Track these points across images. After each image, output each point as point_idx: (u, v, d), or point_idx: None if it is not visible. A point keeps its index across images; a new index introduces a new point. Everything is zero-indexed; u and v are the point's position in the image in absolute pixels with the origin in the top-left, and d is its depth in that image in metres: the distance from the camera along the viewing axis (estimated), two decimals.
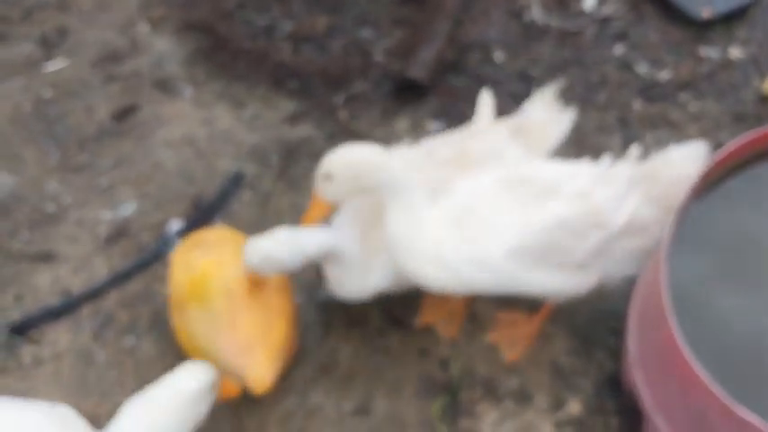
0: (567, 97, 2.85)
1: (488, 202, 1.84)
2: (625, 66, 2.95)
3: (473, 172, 1.95)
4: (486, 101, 2.24)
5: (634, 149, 2.00)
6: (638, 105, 2.84)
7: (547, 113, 2.21)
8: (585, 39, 3.05)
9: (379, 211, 1.96)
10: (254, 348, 1.90)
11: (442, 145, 2.09)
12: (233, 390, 2.03)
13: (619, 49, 3.01)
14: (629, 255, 1.94)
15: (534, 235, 1.79)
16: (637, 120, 2.79)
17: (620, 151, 2.69)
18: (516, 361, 2.16)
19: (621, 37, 3.04)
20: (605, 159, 1.97)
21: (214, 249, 2.08)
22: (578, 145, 2.71)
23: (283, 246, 1.89)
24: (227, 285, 1.97)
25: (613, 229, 1.86)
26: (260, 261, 1.89)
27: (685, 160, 1.99)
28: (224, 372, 1.92)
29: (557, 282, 1.87)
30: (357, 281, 2.00)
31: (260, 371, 1.88)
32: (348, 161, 1.84)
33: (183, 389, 1.73)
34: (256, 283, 1.97)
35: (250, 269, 1.92)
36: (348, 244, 1.98)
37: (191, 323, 2.00)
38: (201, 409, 1.76)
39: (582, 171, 1.91)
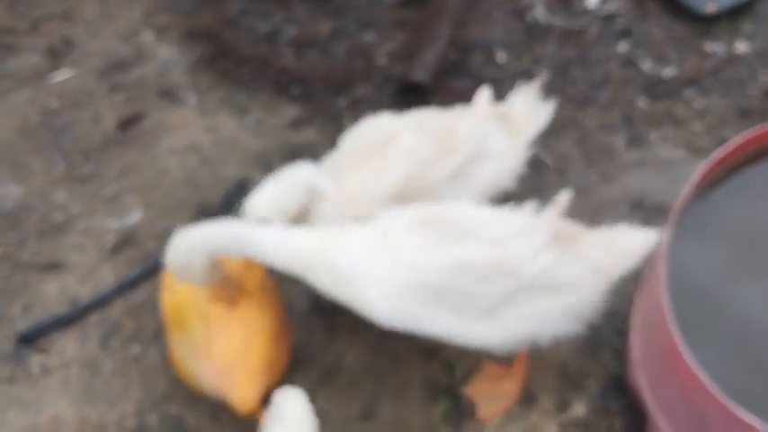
0: (569, 95, 2.85)
1: (400, 234, 1.81)
2: (629, 63, 2.94)
3: (452, 155, 2.01)
4: (484, 95, 2.25)
5: (564, 195, 1.91)
6: (642, 103, 2.82)
7: (528, 105, 2.26)
8: (589, 37, 3.03)
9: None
10: (234, 370, 1.90)
11: (433, 117, 2.15)
12: None
13: (623, 47, 2.99)
14: (556, 313, 1.84)
15: (435, 273, 1.75)
16: (641, 117, 2.77)
17: (625, 150, 2.68)
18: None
19: (625, 34, 3.03)
20: (528, 206, 1.89)
21: None
22: (582, 144, 2.70)
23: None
24: (203, 310, 1.97)
25: (523, 279, 1.78)
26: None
27: (635, 238, 1.91)
28: (210, 393, 1.93)
29: (457, 326, 1.80)
30: None
31: (241, 392, 1.89)
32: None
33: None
34: (231, 301, 1.97)
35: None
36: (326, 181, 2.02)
37: (175, 347, 2.03)
38: None
39: (500, 218, 1.85)
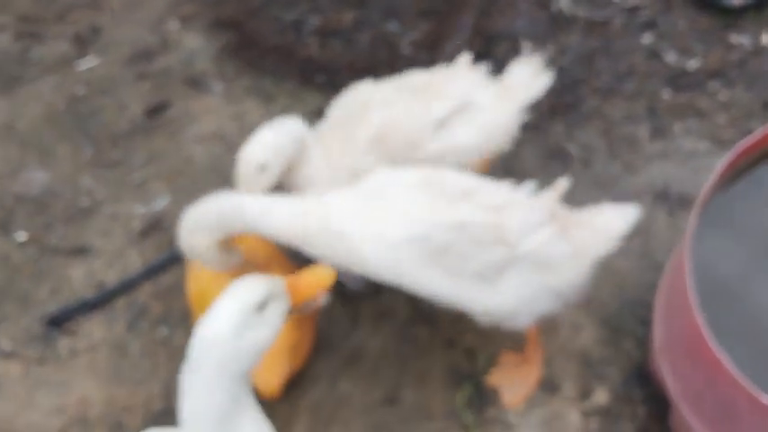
0: (594, 86, 2.85)
1: (399, 192, 1.82)
2: (653, 55, 2.93)
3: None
4: (465, 57, 2.25)
5: (562, 183, 1.93)
6: (666, 95, 2.81)
7: (526, 74, 2.24)
8: (613, 28, 3.03)
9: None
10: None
11: (414, 77, 2.15)
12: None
13: (647, 38, 2.99)
14: (538, 290, 1.86)
15: (434, 229, 1.76)
16: (665, 109, 2.77)
17: (649, 142, 2.68)
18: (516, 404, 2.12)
19: (650, 26, 3.02)
20: (528, 186, 1.92)
21: None
22: (607, 135, 2.71)
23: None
24: None
25: (518, 251, 1.80)
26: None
27: (615, 217, 1.93)
28: None
29: (448, 286, 1.81)
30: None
31: (265, 376, 1.91)
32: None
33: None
34: None
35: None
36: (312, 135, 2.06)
37: None
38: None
39: (498, 189, 1.87)
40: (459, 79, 2.15)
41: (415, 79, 2.16)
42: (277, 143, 1.99)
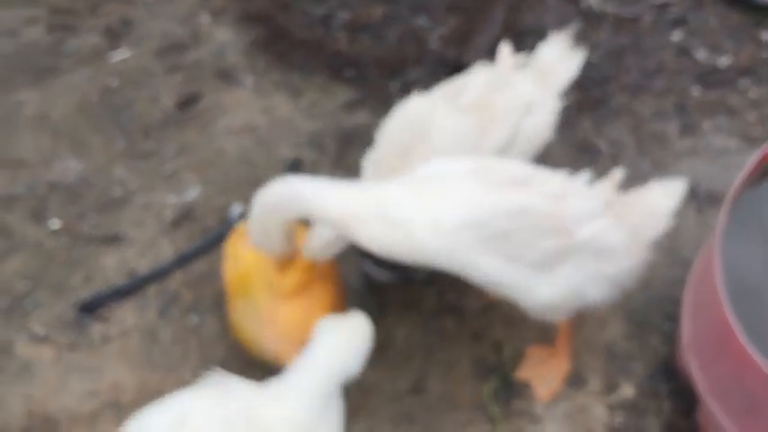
0: (623, 83, 2.85)
1: (456, 179, 1.81)
2: (683, 52, 2.93)
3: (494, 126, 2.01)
4: (506, 50, 2.25)
5: (617, 173, 1.93)
6: (696, 92, 2.81)
7: (558, 54, 2.23)
8: (643, 25, 3.03)
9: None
10: (295, 339, 1.94)
11: (463, 90, 2.12)
12: None
13: (677, 35, 2.98)
14: (597, 277, 1.87)
15: (492, 213, 1.74)
16: (695, 106, 2.76)
17: (678, 138, 2.68)
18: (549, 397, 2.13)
19: (680, 23, 3.01)
20: (583, 176, 1.91)
21: None
22: (636, 131, 2.71)
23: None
24: (269, 280, 2.03)
25: (575, 240, 1.80)
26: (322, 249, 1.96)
27: (663, 195, 1.93)
28: (269, 360, 1.98)
29: (505, 274, 1.79)
30: None
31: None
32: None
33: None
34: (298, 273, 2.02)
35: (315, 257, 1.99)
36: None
37: (238, 314, 2.08)
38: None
39: (554, 178, 1.87)
40: (509, 85, 2.12)
41: (465, 96, 2.10)
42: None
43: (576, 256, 1.83)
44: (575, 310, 1.92)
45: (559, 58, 2.23)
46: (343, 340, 1.80)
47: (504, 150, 2.09)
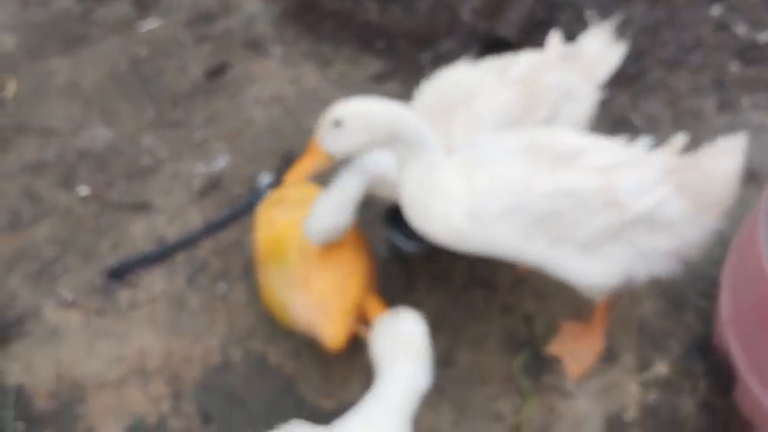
0: (659, 57, 2.79)
1: (502, 159, 1.75)
2: (722, 27, 2.86)
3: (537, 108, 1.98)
4: (556, 39, 2.21)
5: (680, 139, 1.84)
6: (734, 67, 2.74)
7: (600, 45, 2.19)
8: None
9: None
10: (328, 306, 1.93)
11: (511, 65, 2.09)
12: None
13: (716, 10, 2.91)
14: (654, 252, 1.78)
15: (535, 198, 1.70)
16: (733, 82, 2.70)
17: (715, 115, 2.62)
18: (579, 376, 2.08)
19: None
20: (643, 141, 1.83)
21: (294, 207, 2.11)
22: (673, 106, 2.65)
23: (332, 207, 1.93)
24: (302, 245, 2.01)
25: (630, 213, 1.72)
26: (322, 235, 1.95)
27: (724, 154, 1.82)
28: (300, 327, 1.97)
29: (551, 256, 1.75)
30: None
31: (333, 328, 1.91)
32: (364, 110, 1.75)
33: None
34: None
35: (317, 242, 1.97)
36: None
37: (270, 280, 2.06)
38: None
39: (609, 147, 1.78)
40: (558, 74, 2.08)
41: (513, 71, 2.07)
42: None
43: (630, 231, 1.74)
44: (626, 284, 1.84)
45: (601, 51, 2.18)
46: (414, 356, 1.73)
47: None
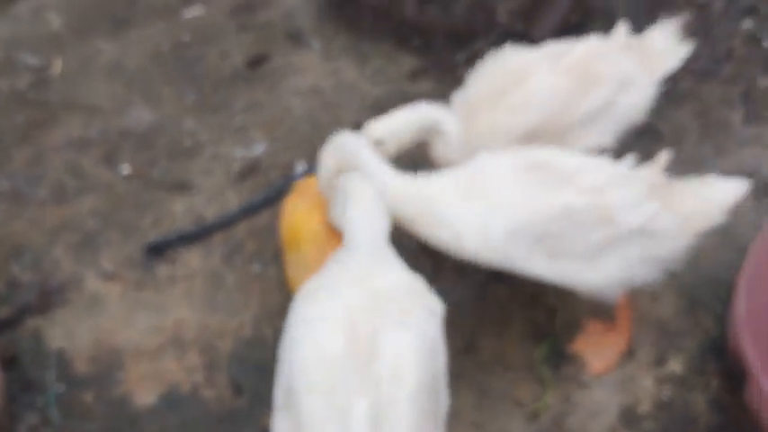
0: (690, 68, 2.86)
1: (501, 178, 1.89)
2: (753, 40, 2.92)
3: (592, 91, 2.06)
4: (623, 29, 2.27)
5: (664, 156, 1.96)
6: (763, 81, 2.81)
7: (666, 40, 2.26)
8: (713, 11, 3.02)
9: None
10: None
11: (570, 51, 2.16)
12: None
13: (747, 24, 2.97)
14: (644, 260, 1.91)
15: (537, 217, 1.83)
16: (761, 95, 2.77)
17: (741, 126, 2.69)
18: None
19: (751, 11, 3.01)
20: (628, 161, 1.95)
21: (313, 198, 2.20)
22: (700, 116, 2.72)
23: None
24: (316, 234, 2.12)
25: (623, 228, 1.85)
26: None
27: (722, 189, 1.96)
28: None
29: (551, 268, 1.87)
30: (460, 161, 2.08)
31: None
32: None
33: None
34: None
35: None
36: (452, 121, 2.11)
37: (290, 267, 2.20)
38: None
39: (602, 168, 1.91)
40: (617, 61, 2.16)
41: (570, 56, 2.15)
42: (399, 126, 2.07)
43: (623, 243, 1.88)
44: (629, 288, 1.97)
45: (666, 46, 2.25)
46: (362, 203, 1.89)
47: (593, 120, 2.13)
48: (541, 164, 1.90)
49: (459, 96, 2.23)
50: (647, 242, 1.89)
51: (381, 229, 1.85)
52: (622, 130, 2.21)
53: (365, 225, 1.84)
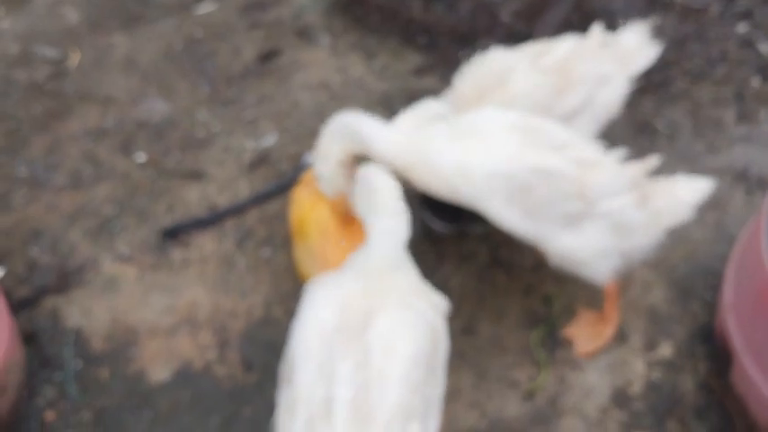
0: (685, 68, 2.97)
1: (496, 131, 1.98)
2: (747, 44, 3.03)
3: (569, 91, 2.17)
4: (597, 30, 2.38)
5: (652, 160, 2.06)
6: (755, 82, 2.91)
7: (638, 40, 2.38)
8: (709, 15, 3.13)
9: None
10: None
11: (547, 52, 2.27)
12: None
13: (742, 28, 3.08)
14: (608, 248, 2.01)
15: (519, 169, 1.91)
16: (753, 96, 2.87)
17: (734, 125, 2.79)
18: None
19: (746, 16, 3.11)
20: (618, 152, 2.05)
21: (318, 188, 2.28)
22: (693, 115, 2.82)
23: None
24: (322, 223, 2.23)
25: (595, 210, 1.96)
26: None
27: (689, 188, 2.06)
28: None
29: (524, 226, 1.97)
30: None
31: None
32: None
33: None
34: (348, 219, 2.20)
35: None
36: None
37: (297, 255, 2.32)
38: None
39: (592, 150, 2.02)
40: (593, 63, 2.27)
41: (548, 57, 2.26)
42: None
43: (594, 224, 1.98)
44: (600, 272, 2.06)
45: (638, 45, 2.36)
46: (389, 208, 1.91)
47: (574, 116, 2.24)
48: (536, 128, 2.01)
49: (447, 97, 2.34)
50: (617, 232, 2.00)
51: (401, 238, 1.90)
52: (599, 125, 2.31)
53: (386, 232, 1.88)
